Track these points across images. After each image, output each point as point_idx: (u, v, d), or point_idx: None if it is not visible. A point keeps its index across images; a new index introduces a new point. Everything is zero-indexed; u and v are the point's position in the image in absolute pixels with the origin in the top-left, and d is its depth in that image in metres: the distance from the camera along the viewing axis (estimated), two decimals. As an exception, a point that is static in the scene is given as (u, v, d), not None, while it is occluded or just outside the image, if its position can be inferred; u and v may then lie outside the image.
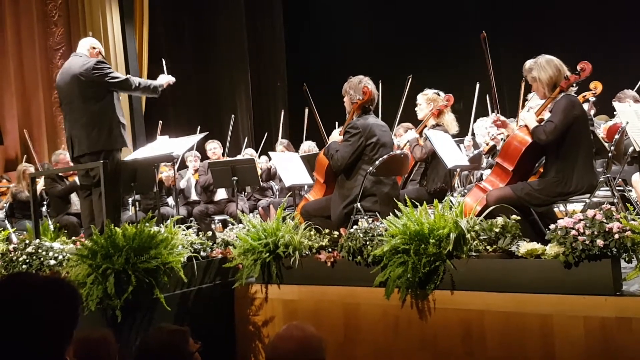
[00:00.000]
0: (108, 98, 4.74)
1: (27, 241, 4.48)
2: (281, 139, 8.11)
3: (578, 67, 3.81)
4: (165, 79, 5.01)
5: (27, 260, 4.30)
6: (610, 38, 9.41)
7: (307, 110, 4.72)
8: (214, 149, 7.38)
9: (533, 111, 3.96)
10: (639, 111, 4.14)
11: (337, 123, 6.97)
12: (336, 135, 4.59)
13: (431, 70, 10.43)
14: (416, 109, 5.12)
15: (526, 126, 3.81)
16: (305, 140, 7.88)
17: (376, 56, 11.66)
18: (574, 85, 3.82)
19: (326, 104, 5.70)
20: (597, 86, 4.86)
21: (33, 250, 4.33)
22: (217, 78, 12.11)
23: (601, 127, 5.43)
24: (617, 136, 4.67)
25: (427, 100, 5.03)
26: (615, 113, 5.18)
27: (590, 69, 3.79)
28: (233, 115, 8.24)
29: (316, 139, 7.29)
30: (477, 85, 6.72)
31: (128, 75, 4.97)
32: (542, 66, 3.77)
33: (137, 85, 4.83)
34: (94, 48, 4.94)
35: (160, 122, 6.93)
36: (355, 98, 4.45)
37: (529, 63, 3.86)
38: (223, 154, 7.51)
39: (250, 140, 10.32)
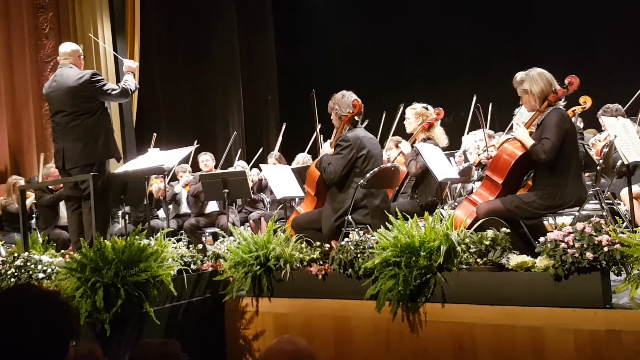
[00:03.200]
0: (101, 110, 4.73)
1: (15, 254, 4.44)
2: (277, 151, 8.10)
3: (566, 81, 3.83)
4: (132, 65, 5.02)
5: (16, 274, 4.26)
6: (599, 52, 9.50)
7: (318, 128, 4.73)
8: (206, 160, 7.38)
9: (522, 125, 3.98)
10: (627, 125, 4.18)
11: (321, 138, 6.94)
12: (327, 148, 4.60)
13: (426, 83, 10.49)
14: (405, 122, 5.15)
15: (515, 139, 3.83)
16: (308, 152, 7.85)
17: (369, 69, 11.71)
18: (562, 99, 3.85)
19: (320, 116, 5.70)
20: (586, 100, 4.89)
21: (22, 264, 4.29)
22: (210, 90, 12.10)
23: (590, 141, 5.47)
24: (605, 150, 4.71)
25: (416, 115, 5.06)
26: (602, 127, 5.22)
27: (578, 82, 3.81)
28: (235, 132, 8.26)
29: (312, 150, 7.28)
30: (474, 98, 6.72)
31: (120, 85, 4.94)
32: (533, 79, 3.79)
33: (130, 92, 4.85)
34: (80, 56, 4.88)
35: (155, 134, 6.91)
36: (345, 112, 4.47)
37: (520, 75, 3.87)
38: (216, 167, 7.50)
39: (242, 153, 10.30)
